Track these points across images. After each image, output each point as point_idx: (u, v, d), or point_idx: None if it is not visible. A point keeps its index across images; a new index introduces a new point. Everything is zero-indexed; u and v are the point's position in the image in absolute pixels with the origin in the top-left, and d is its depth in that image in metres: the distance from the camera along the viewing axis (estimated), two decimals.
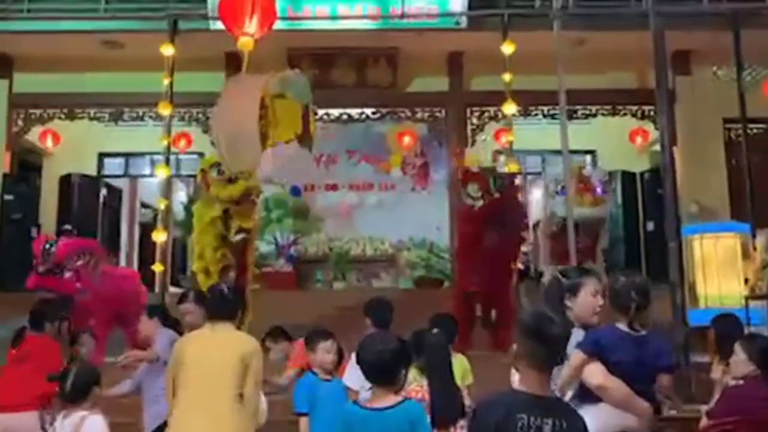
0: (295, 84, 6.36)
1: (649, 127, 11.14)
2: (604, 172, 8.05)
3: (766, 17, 9.19)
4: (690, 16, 9.21)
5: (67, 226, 7.70)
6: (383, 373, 2.82)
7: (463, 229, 7.73)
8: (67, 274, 6.56)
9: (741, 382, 3.21)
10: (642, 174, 11.61)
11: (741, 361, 3.22)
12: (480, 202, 7.19)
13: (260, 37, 6.22)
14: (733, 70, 9.72)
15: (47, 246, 6.55)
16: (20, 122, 11.12)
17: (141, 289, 7.93)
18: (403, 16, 9.58)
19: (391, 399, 2.78)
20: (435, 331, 3.87)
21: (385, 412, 2.73)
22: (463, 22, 10.18)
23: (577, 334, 2.96)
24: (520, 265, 10.18)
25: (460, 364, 4.52)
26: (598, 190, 8.02)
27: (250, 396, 3.58)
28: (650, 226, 10.96)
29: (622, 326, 3.05)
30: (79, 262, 6.68)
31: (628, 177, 11.67)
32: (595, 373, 2.83)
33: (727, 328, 4.60)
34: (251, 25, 5.87)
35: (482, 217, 7.18)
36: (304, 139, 6.34)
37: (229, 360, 3.60)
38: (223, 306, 3.84)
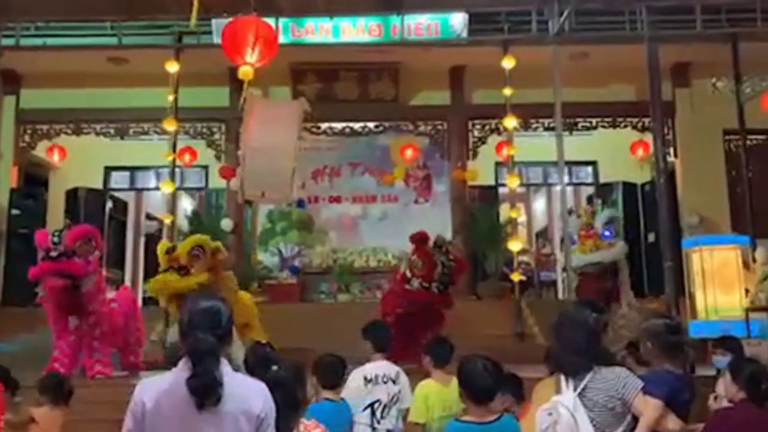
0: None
1: (649, 138, 11.16)
2: (608, 216, 7.87)
3: (764, 31, 9.26)
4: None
5: (68, 220, 7.82)
6: (486, 392, 3.08)
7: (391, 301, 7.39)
8: (77, 260, 6.67)
9: (731, 404, 3.25)
10: (643, 185, 11.65)
11: (730, 385, 3.27)
12: (416, 283, 7.02)
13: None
14: (732, 82, 9.79)
15: (55, 234, 6.66)
16: (27, 138, 11.28)
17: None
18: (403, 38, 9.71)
19: (491, 414, 3.08)
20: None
21: (492, 424, 3.04)
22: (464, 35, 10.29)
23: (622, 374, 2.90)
24: (521, 276, 10.31)
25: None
26: (606, 234, 7.88)
27: None
28: (651, 237, 10.99)
29: (673, 369, 3.06)
30: (86, 247, 6.78)
31: (629, 188, 11.73)
32: (673, 422, 2.90)
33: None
34: (253, 55, 6.00)
35: (411, 300, 7.06)
36: None
37: None
38: None
